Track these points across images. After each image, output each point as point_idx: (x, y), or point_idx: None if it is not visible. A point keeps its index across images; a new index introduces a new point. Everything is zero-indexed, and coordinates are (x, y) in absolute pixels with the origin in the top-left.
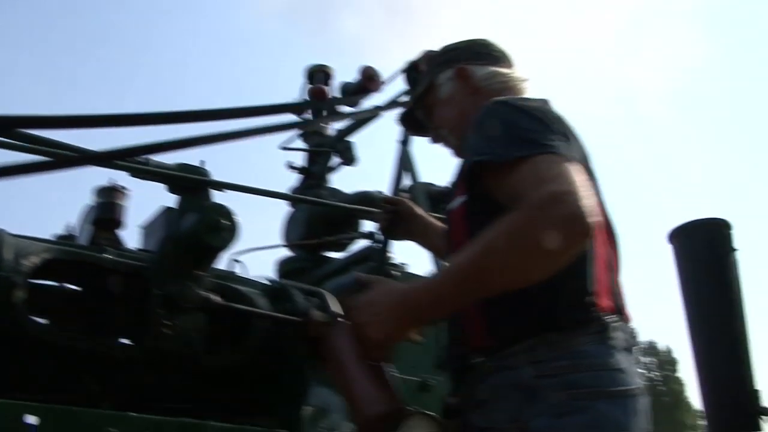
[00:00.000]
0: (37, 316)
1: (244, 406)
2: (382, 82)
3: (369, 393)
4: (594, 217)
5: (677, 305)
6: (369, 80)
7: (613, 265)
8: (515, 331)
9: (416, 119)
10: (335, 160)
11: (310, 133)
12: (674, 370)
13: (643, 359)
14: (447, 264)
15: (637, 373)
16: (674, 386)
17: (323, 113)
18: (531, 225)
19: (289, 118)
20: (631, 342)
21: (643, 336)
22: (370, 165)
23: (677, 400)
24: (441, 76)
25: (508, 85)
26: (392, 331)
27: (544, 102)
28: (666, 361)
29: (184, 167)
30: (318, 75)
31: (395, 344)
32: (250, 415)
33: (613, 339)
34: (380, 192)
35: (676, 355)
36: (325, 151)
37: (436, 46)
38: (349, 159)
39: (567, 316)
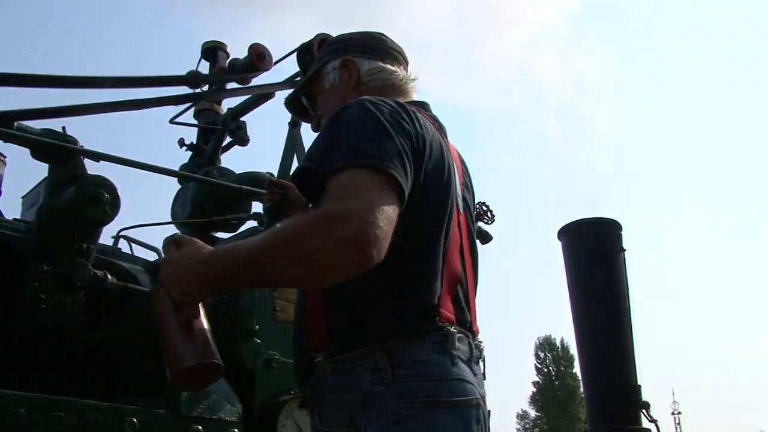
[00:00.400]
0: None
1: (125, 385)
2: (271, 62)
3: (179, 348)
4: (375, 250)
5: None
6: (258, 58)
7: (465, 280)
8: (355, 335)
9: (302, 104)
10: (227, 139)
11: (203, 110)
12: (570, 366)
13: (539, 354)
14: (244, 243)
15: (479, 384)
16: (569, 381)
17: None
18: (308, 235)
19: (181, 90)
20: (476, 354)
21: (540, 331)
22: (262, 146)
23: (572, 395)
24: (329, 65)
25: (392, 83)
26: (187, 292)
27: (417, 105)
28: (561, 357)
29: (51, 133)
30: (211, 53)
31: (197, 303)
32: (131, 394)
33: (454, 350)
34: (270, 173)
35: (572, 351)
36: (217, 129)
37: (336, 32)
38: (240, 139)
39: (408, 325)
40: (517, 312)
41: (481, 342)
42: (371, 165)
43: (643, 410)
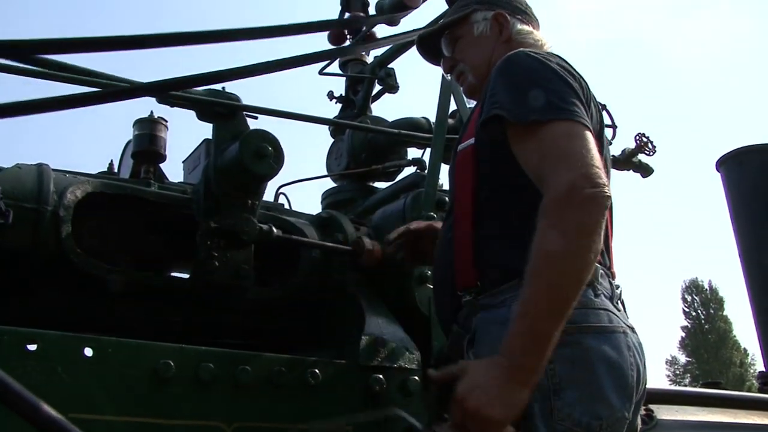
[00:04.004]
0: (84, 250)
1: (299, 337)
2: None
3: None
4: (608, 189)
5: (721, 240)
6: None
7: (606, 226)
8: (503, 271)
9: (435, 44)
10: (376, 87)
11: (350, 60)
12: (720, 309)
13: (686, 297)
14: (518, 308)
15: (623, 316)
16: (720, 324)
17: (361, 34)
18: (566, 225)
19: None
20: (616, 293)
21: (686, 274)
22: (412, 92)
23: (724, 338)
24: (478, 14)
25: (539, 45)
26: (514, 398)
27: (563, 60)
28: (711, 300)
29: (214, 93)
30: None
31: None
32: (305, 345)
33: (597, 283)
34: (426, 118)
35: (722, 293)
36: (366, 78)
37: None
38: (390, 86)
39: None
40: (661, 255)
41: (619, 285)
42: (566, 118)
43: None
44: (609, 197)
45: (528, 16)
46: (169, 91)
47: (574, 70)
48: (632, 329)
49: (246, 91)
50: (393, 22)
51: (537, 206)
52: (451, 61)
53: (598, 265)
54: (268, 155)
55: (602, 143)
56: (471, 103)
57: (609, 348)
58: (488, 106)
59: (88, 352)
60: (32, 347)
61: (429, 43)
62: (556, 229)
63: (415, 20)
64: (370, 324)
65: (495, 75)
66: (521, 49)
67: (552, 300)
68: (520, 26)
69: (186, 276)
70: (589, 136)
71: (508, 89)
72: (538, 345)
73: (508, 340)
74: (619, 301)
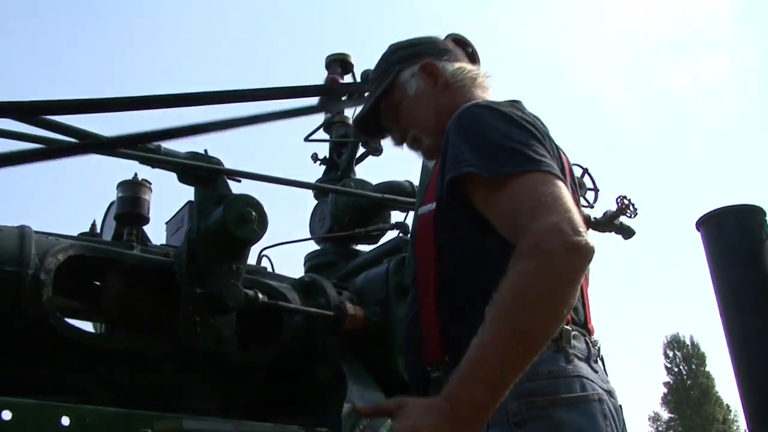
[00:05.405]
0: (64, 314)
1: (281, 403)
2: None
3: None
4: (586, 239)
5: (703, 296)
6: None
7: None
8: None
9: (377, 122)
10: (361, 149)
11: (334, 123)
12: (702, 364)
13: (667, 353)
14: (472, 351)
15: (601, 380)
16: (703, 380)
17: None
18: (546, 268)
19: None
20: (593, 352)
21: (667, 329)
22: (396, 155)
23: (706, 394)
24: (405, 73)
25: (477, 81)
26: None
27: (518, 104)
28: (692, 355)
29: (196, 156)
30: (336, 64)
31: None
32: (287, 412)
33: (570, 347)
34: (409, 182)
35: (703, 348)
36: (350, 141)
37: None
38: (374, 149)
39: None
40: (640, 310)
41: (597, 341)
42: (538, 169)
43: None
44: (593, 249)
45: (451, 53)
46: (126, 146)
47: (529, 113)
48: (610, 392)
49: (228, 153)
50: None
51: (504, 273)
52: (400, 131)
53: (570, 327)
54: (252, 220)
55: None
56: None
57: (583, 420)
58: (452, 165)
59: (65, 421)
60: (6, 416)
61: (371, 122)
62: (531, 273)
63: None
64: (352, 391)
65: (453, 134)
66: (472, 102)
67: (515, 348)
68: (451, 68)
69: (168, 340)
70: (564, 188)
71: (471, 146)
72: (491, 395)
73: (455, 384)
74: (598, 359)
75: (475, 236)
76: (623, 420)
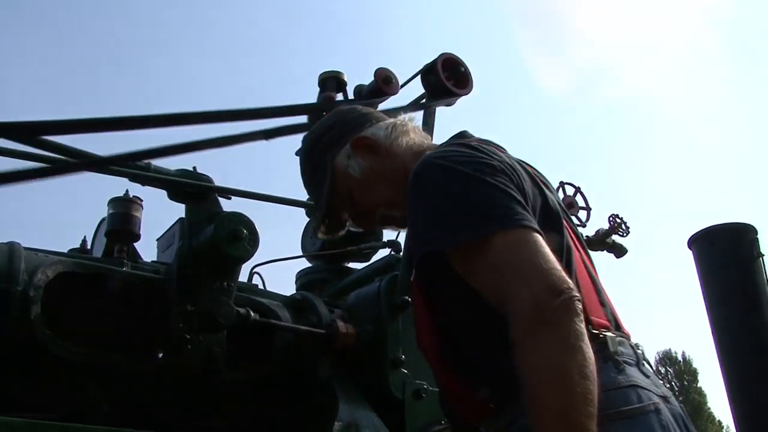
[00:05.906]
0: (53, 331)
1: (271, 422)
2: (398, 85)
3: None
4: (575, 290)
5: (695, 312)
6: (385, 82)
7: (597, 282)
8: (510, 388)
9: (334, 218)
10: None
11: None
12: (694, 380)
13: (659, 369)
14: None
15: (655, 385)
16: (695, 396)
17: None
18: (549, 342)
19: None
20: (639, 355)
21: (659, 346)
22: None
23: (698, 410)
24: (340, 158)
25: (409, 128)
26: None
27: (479, 145)
28: (684, 371)
29: (185, 173)
30: (330, 82)
31: None
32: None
33: (617, 354)
34: None
35: (696, 364)
36: None
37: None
38: None
39: None
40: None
41: (638, 344)
42: (514, 227)
43: None
44: (579, 299)
45: (366, 115)
46: (117, 164)
47: (492, 150)
48: (665, 398)
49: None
50: (371, 107)
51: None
52: (367, 216)
53: (610, 333)
54: (243, 238)
55: (560, 220)
56: None
57: None
58: (414, 244)
59: None
60: None
61: (332, 222)
62: (535, 352)
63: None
64: (343, 410)
65: (409, 202)
66: (423, 163)
67: (565, 427)
68: (380, 131)
69: (159, 357)
70: (536, 238)
71: (427, 216)
72: None
73: None
74: (645, 362)
75: (463, 293)
76: (688, 425)
